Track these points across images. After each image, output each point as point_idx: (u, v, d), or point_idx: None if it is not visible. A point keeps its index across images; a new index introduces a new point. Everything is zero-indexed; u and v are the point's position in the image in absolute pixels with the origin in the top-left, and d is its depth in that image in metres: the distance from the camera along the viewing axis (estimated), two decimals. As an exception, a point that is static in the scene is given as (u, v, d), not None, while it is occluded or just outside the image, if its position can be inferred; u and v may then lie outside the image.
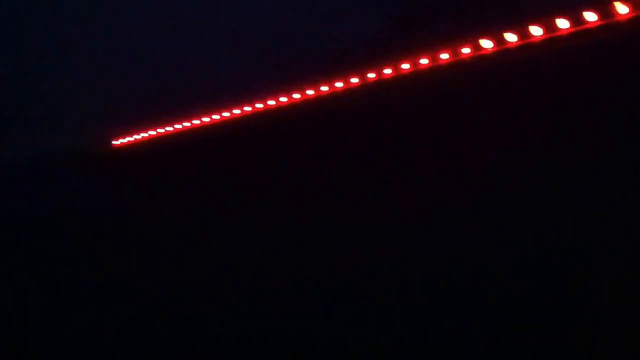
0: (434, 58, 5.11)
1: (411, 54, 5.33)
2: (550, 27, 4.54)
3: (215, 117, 6.54)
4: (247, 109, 6.29)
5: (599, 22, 4.36)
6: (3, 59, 7.86)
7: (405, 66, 5.17)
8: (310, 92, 5.85)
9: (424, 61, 5.16)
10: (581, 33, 4.40)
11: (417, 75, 5.16)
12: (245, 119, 6.31)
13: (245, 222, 6.74)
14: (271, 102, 6.10)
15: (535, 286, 4.91)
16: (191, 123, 6.76)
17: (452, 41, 5.09)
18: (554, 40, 4.51)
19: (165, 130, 6.94)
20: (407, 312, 5.34)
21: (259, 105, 6.20)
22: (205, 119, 6.62)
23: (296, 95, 5.92)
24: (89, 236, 7.99)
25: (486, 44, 4.84)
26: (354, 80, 5.56)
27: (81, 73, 7.61)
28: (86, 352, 6.80)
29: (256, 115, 6.21)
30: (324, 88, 5.76)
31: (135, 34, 7.13)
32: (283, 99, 6.01)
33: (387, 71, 5.21)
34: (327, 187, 6.24)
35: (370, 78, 5.38)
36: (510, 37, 4.73)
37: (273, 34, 6.39)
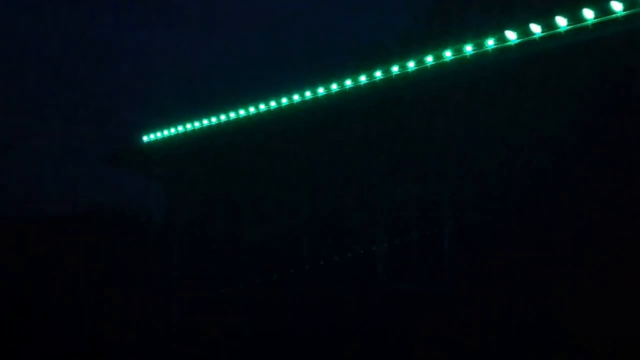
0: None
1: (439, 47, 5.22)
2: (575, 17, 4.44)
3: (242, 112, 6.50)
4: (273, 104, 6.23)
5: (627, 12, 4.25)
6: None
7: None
8: (335, 87, 5.77)
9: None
10: (607, 23, 4.29)
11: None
12: (270, 114, 6.26)
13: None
14: (296, 98, 6.03)
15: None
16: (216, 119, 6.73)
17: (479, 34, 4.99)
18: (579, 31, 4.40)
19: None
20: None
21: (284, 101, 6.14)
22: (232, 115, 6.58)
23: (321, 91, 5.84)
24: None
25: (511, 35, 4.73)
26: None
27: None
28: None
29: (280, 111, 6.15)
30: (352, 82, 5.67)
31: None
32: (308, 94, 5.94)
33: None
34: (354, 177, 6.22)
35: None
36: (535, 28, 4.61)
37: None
